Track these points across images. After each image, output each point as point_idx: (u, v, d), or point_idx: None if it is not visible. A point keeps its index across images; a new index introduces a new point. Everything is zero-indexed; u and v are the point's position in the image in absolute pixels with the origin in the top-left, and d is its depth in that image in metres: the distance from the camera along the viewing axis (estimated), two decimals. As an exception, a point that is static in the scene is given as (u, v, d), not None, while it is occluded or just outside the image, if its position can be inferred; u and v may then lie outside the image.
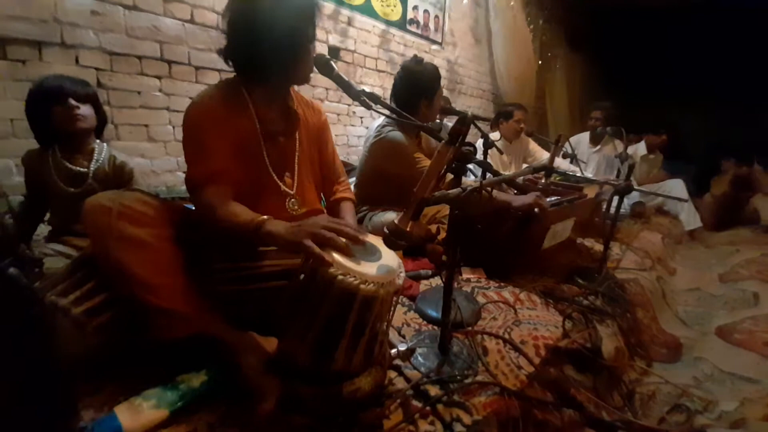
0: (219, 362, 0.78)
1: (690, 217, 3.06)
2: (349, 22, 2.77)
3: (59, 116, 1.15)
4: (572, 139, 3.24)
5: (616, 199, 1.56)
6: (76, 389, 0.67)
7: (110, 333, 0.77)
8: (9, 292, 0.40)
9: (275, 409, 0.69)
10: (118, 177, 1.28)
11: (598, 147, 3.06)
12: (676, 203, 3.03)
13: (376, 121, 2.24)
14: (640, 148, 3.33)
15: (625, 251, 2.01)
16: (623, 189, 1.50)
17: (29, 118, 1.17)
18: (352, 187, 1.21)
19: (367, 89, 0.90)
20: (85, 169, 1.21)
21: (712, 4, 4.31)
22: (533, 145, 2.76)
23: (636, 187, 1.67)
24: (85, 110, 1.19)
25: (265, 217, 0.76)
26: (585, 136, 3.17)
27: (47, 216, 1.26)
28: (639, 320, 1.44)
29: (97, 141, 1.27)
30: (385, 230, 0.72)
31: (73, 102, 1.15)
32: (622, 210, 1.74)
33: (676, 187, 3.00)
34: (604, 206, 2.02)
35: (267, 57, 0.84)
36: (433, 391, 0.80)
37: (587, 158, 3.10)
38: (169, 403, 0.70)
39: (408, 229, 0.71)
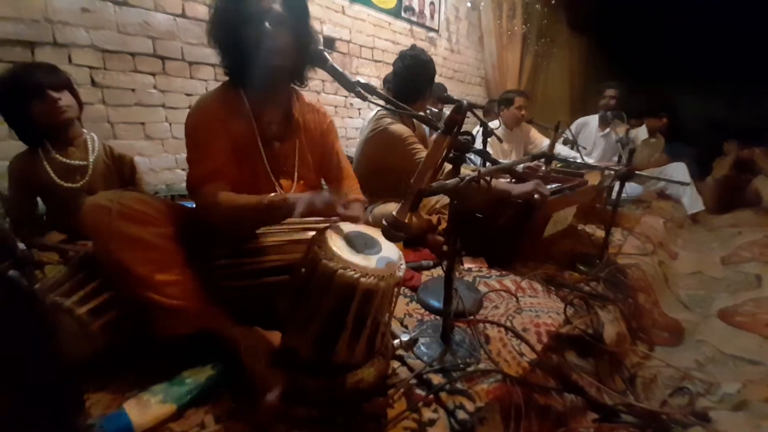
0: (224, 357, 0.79)
1: (692, 201, 3.04)
2: (343, 11, 2.73)
3: (41, 111, 1.07)
4: (579, 122, 3.15)
5: (617, 184, 1.55)
6: (82, 387, 0.68)
7: (116, 331, 0.79)
8: (9, 295, 0.40)
9: (280, 401, 0.69)
10: (120, 169, 1.25)
11: (607, 130, 2.93)
12: (678, 187, 3.01)
13: (371, 112, 2.22)
14: (641, 132, 3.30)
15: (627, 237, 2.00)
16: (625, 174, 1.49)
17: (7, 118, 1.10)
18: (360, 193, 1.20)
19: (364, 79, 0.89)
20: (84, 162, 1.17)
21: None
22: (534, 133, 2.73)
23: (637, 171, 1.66)
24: (66, 99, 1.12)
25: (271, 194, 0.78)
26: (593, 119, 3.03)
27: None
28: (640, 305, 1.44)
29: (85, 131, 1.22)
30: (384, 222, 0.72)
31: (53, 94, 1.08)
32: (624, 195, 1.73)
33: (678, 170, 2.97)
34: (606, 192, 2.01)
35: (247, 62, 0.84)
36: (436, 379, 0.81)
37: (594, 142, 2.99)
38: (176, 398, 0.71)
39: (407, 221, 0.71)
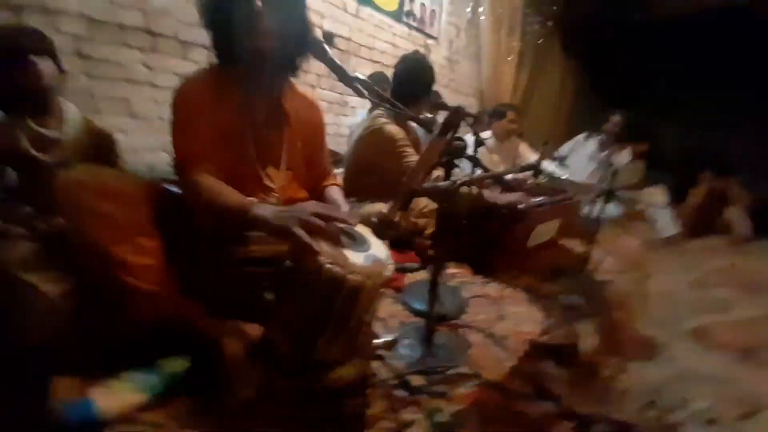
0: (198, 348, 0.76)
1: (667, 224, 3.17)
2: (345, 8, 2.72)
3: (19, 75, 1.01)
4: (577, 139, 3.22)
5: (600, 202, 1.59)
6: (49, 368, 0.64)
7: (85, 313, 0.74)
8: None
9: (255, 396, 0.67)
10: (98, 144, 1.19)
11: (605, 153, 3.04)
12: (655, 210, 3.14)
13: (361, 112, 2.21)
14: (623, 156, 3.42)
15: (605, 255, 2.06)
16: (607, 192, 1.54)
17: None
18: (339, 179, 1.19)
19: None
20: (61, 134, 1.11)
21: (693, 22, 4.48)
22: (524, 148, 2.79)
23: (618, 193, 1.72)
24: (47, 65, 1.06)
25: (254, 199, 0.74)
26: (592, 141, 3.14)
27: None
28: (615, 320, 1.48)
29: (65, 101, 1.16)
30: (374, 220, 0.71)
31: (33, 58, 1.02)
32: (604, 214, 1.78)
33: (656, 194, 3.11)
34: (586, 209, 2.07)
35: (236, 42, 0.81)
36: (416, 381, 0.81)
37: (585, 164, 3.08)
38: (148, 387, 0.68)
39: (397, 219, 0.70)
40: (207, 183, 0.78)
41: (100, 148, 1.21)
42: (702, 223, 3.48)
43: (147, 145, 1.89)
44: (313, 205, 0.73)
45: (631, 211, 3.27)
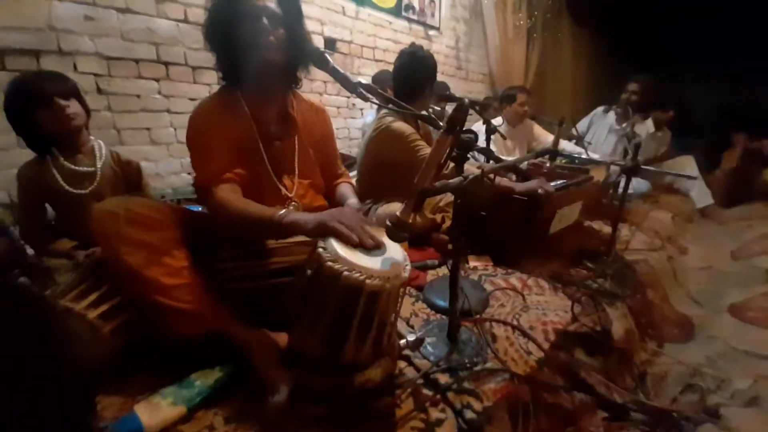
0: (232, 358, 0.80)
1: (701, 194, 3.00)
2: (344, 12, 2.73)
3: (49, 119, 1.08)
4: (597, 111, 3.07)
5: (623, 179, 1.53)
6: (94, 390, 0.69)
7: (126, 335, 0.80)
8: (20, 301, 0.41)
9: (288, 401, 0.70)
10: (127, 174, 1.27)
11: (624, 125, 2.85)
12: (687, 180, 2.96)
13: (370, 112, 2.21)
14: (647, 126, 3.26)
15: (635, 232, 1.98)
16: (631, 169, 1.48)
17: (14, 126, 1.11)
18: (354, 181, 1.21)
19: (366, 80, 0.90)
20: (92, 168, 1.19)
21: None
22: (537, 129, 2.71)
23: (644, 166, 1.64)
24: (74, 107, 1.13)
25: (279, 208, 0.78)
26: (611, 113, 2.97)
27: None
28: (649, 301, 1.43)
29: (92, 137, 1.24)
30: (388, 223, 0.72)
31: (60, 101, 1.08)
32: (630, 191, 1.71)
33: (686, 164, 2.93)
34: (611, 188, 1.99)
35: (241, 60, 0.85)
36: (443, 379, 0.81)
37: (605, 138, 2.94)
38: (186, 400, 0.72)
39: (411, 221, 0.71)
40: (230, 201, 0.83)
41: (128, 177, 1.28)
42: (739, 189, 3.26)
43: (170, 168, 1.98)
44: (340, 213, 0.76)
45: (660, 184, 3.11)
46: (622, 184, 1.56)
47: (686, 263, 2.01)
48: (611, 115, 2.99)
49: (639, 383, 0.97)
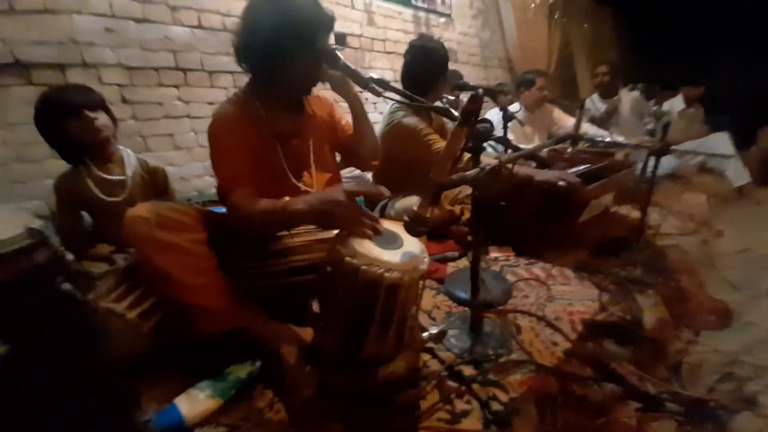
0: (260, 353, 0.83)
1: (737, 173, 2.81)
2: (353, 5, 2.71)
3: (79, 131, 1.13)
4: (618, 94, 3.03)
5: (652, 161, 1.46)
6: (137, 386, 0.74)
7: (163, 332, 0.84)
8: (66, 306, 0.44)
9: (314, 395, 0.72)
10: (155, 180, 1.33)
11: (652, 102, 2.80)
12: (721, 159, 2.79)
13: (386, 106, 2.18)
14: (676, 103, 3.08)
15: (666, 216, 1.89)
16: (659, 150, 1.40)
17: (47, 139, 1.16)
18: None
19: (378, 73, 0.90)
20: (122, 177, 1.24)
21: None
22: (558, 113, 2.61)
23: (673, 147, 1.56)
24: (102, 118, 1.18)
25: (287, 198, 0.81)
26: (636, 92, 2.95)
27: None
28: (683, 288, 1.36)
29: (120, 147, 1.29)
30: (406, 218, 0.72)
31: (89, 114, 1.14)
32: (660, 172, 1.62)
33: (720, 141, 2.75)
34: (639, 170, 1.90)
35: (282, 64, 0.88)
36: (468, 371, 0.81)
37: (633, 119, 2.87)
38: (222, 392, 0.76)
39: (429, 215, 0.71)
40: (247, 202, 0.85)
41: (156, 183, 1.34)
42: (779, 167, 3.03)
43: (193, 172, 2.05)
44: (343, 187, 0.77)
45: (692, 165, 2.95)
46: (650, 166, 1.48)
47: (722, 247, 1.90)
48: (637, 94, 2.87)
49: (673, 373, 0.93)
